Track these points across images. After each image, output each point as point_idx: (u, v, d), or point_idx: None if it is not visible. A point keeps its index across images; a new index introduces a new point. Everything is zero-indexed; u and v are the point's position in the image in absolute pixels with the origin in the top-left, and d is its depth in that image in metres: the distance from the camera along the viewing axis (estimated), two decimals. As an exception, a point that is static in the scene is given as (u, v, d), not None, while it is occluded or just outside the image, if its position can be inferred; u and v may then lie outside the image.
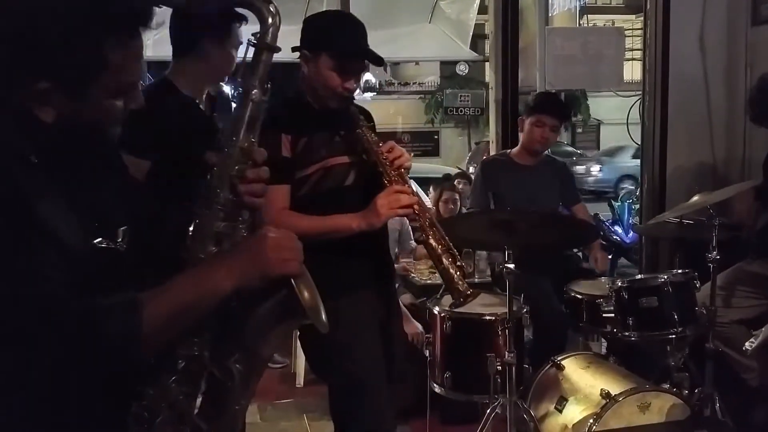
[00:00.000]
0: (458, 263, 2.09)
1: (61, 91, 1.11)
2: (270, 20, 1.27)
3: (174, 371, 1.19)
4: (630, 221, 6.69)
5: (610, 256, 6.48)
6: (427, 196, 4.83)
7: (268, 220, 1.92)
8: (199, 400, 1.21)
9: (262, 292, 1.21)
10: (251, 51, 1.30)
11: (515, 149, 3.54)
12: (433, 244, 2.07)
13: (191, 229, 1.23)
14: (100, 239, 1.15)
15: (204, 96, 2.30)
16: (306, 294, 1.21)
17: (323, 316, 1.26)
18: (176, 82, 2.21)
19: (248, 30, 1.59)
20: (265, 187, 1.32)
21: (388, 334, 2.24)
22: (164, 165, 2.04)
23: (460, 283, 2.06)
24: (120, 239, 1.18)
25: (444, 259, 2.06)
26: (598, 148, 18.46)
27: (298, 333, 3.35)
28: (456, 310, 2.65)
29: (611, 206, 7.42)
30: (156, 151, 2.04)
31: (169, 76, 2.25)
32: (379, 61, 2.23)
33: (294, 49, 2.14)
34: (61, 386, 1.10)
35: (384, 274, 2.30)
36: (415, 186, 2.18)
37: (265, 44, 1.27)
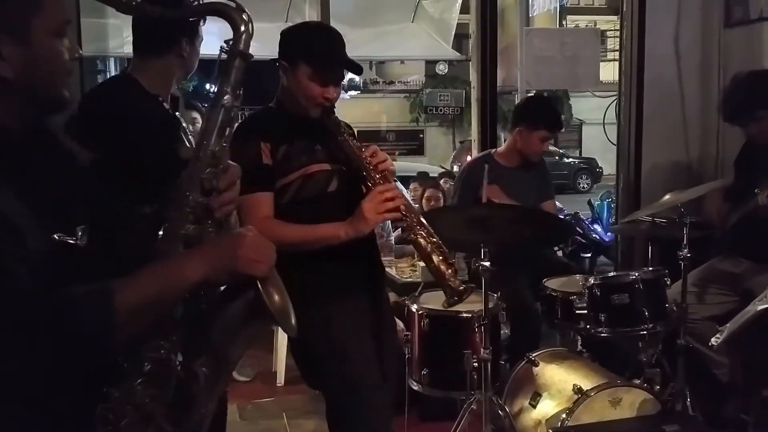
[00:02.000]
0: (449, 261, 2.08)
1: (6, 36, 1.13)
2: (243, 28, 1.30)
3: (140, 373, 1.19)
4: (609, 219, 6.76)
5: (589, 255, 6.56)
6: (408, 192, 4.85)
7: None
8: (165, 403, 1.21)
9: (229, 293, 1.23)
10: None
11: (500, 149, 3.55)
12: (423, 243, 2.06)
13: (161, 232, 1.24)
14: (59, 234, 1.15)
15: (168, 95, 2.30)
16: (275, 297, 1.23)
17: (293, 321, 1.28)
18: (141, 79, 2.19)
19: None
20: (237, 195, 1.34)
21: (380, 338, 2.20)
22: (126, 163, 1.99)
23: (452, 280, 2.05)
24: (79, 235, 1.19)
25: (434, 257, 2.04)
26: (580, 148, 18.61)
27: (288, 343, 3.40)
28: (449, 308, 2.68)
29: (591, 205, 7.48)
30: (113, 146, 1.98)
31: (133, 73, 2.22)
32: (357, 69, 2.24)
33: (273, 61, 2.18)
34: (30, 382, 1.10)
35: (374, 277, 2.27)
36: (399, 186, 2.17)
37: (237, 51, 1.30)
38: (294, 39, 2.19)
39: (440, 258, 2.05)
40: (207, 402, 1.26)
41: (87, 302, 1.10)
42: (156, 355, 1.21)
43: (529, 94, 4.23)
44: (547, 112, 3.53)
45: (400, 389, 2.96)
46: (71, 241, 1.17)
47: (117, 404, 1.18)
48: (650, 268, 2.96)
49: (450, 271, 2.05)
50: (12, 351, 1.06)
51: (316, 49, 2.13)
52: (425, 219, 2.12)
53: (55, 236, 1.15)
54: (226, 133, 1.31)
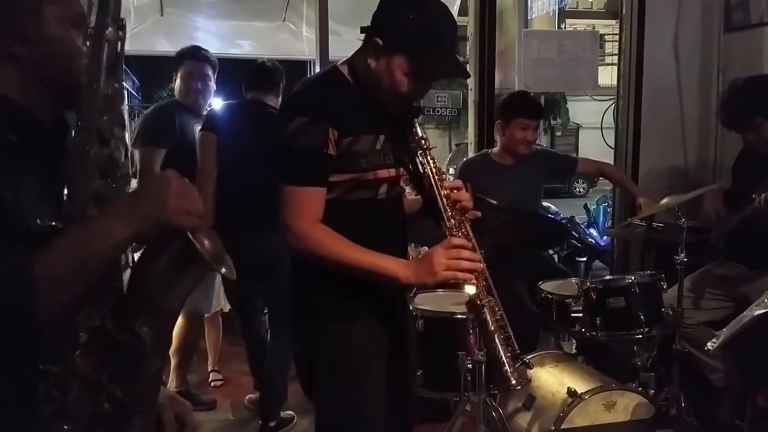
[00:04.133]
0: (510, 343, 1.79)
1: (22, 19, 1.15)
2: None
3: (77, 345, 1.13)
4: (605, 224, 6.76)
5: (584, 259, 6.56)
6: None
7: (296, 231, 1.74)
8: (111, 370, 1.16)
9: (155, 246, 1.14)
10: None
11: (495, 149, 3.54)
12: (488, 318, 1.76)
13: (65, 193, 1.14)
14: (55, 223, 1.13)
15: None
16: (206, 242, 1.14)
17: (229, 263, 1.18)
18: None
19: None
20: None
21: (396, 363, 1.97)
22: None
23: (510, 371, 1.75)
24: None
25: (496, 339, 1.75)
26: (577, 152, 18.61)
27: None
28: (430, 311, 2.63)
29: (587, 209, 7.48)
30: None
31: None
32: (466, 74, 1.98)
33: (363, 30, 1.82)
34: None
35: (402, 298, 2.04)
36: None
37: None
38: (408, 25, 1.74)
39: (502, 339, 1.76)
40: (155, 360, 1.20)
41: (4, 275, 1.03)
42: (90, 324, 1.13)
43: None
44: (521, 101, 3.52)
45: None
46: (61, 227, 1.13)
47: (58, 380, 1.13)
48: (647, 272, 2.95)
49: (509, 357, 1.76)
50: None
51: (433, 48, 1.75)
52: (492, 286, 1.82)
53: (38, 221, 1.11)
54: (117, 72, 1.16)
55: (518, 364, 1.80)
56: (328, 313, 1.85)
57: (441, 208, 1.79)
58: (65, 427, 1.14)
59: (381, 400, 1.89)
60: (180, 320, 3.52)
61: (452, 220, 1.79)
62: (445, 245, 1.74)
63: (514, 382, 1.75)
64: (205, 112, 3.53)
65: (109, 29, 1.13)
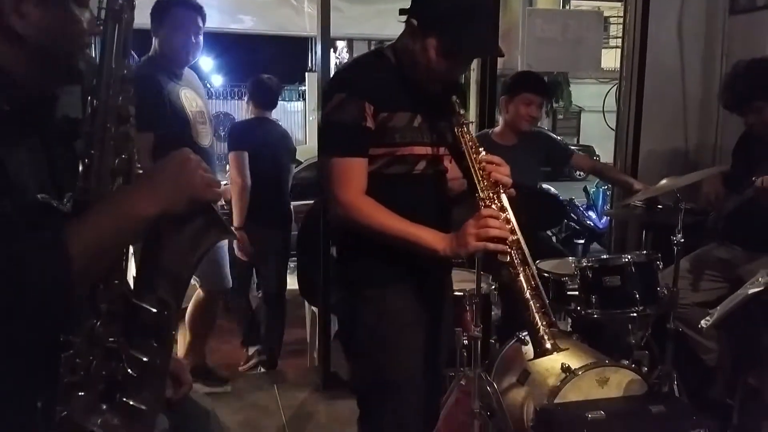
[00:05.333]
0: (547, 312, 1.80)
1: (16, 11, 1.14)
2: None
3: (98, 315, 1.18)
4: (604, 207, 6.78)
5: (582, 241, 6.59)
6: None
7: (343, 201, 1.83)
8: (132, 336, 1.21)
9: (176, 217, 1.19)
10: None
11: (497, 129, 3.53)
12: (523, 285, 1.76)
13: (80, 170, 1.17)
14: (44, 195, 1.14)
15: None
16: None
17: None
18: None
19: None
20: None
21: (433, 331, 2.02)
22: None
23: (546, 337, 1.76)
24: (66, 201, 1.17)
25: (532, 306, 1.76)
26: (578, 135, 18.58)
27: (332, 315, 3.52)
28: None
29: (586, 192, 7.49)
30: None
31: None
32: (501, 54, 1.99)
33: (402, 12, 1.88)
34: None
35: (441, 266, 2.06)
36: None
37: None
38: (440, 5, 1.80)
39: (538, 306, 1.77)
40: (174, 324, 1.28)
41: (41, 252, 1.06)
42: (111, 294, 1.18)
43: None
44: (526, 76, 3.53)
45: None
46: (55, 205, 1.16)
47: (80, 349, 1.16)
48: (643, 252, 2.97)
49: (544, 324, 1.77)
50: None
51: (465, 31, 1.78)
52: (530, 255, 1.82)
53: (39, 196, 1.14)
54: (128, 51, 1.20)
55: (550, 327, 1.79)
56: (366, 280, 1.95)
57: (475, 180, 1.82)
58: (81, 394, 1.18)
59: (415, 367, 1.95)
60: (200, 295, 3.54)
61: (486, 192, 1.80)
62: (476, 217, 1.77)
63: (549, 346, 1.75)
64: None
65: (123, 9, 1.17)
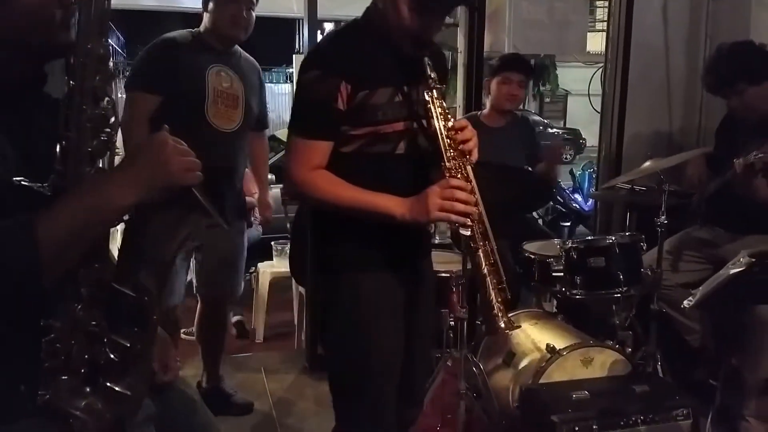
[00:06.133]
0: (503, 290, 1.76)
1: None
2: None
3: (78, 299, 1.17)
4: (590, 190, 6.80)
5: (568, 224, 6.62)
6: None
7: (294, 178, 1.78)
8: (113, 321, 1.20)
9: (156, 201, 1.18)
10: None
11: (485, 111, 3.55)
12: (481, 261, 1.73)
13: (58, 151, 1.15)
14: (22, 178, 1.12)
15: None
16: (201, 194, 1.20)
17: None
18: None
19: None
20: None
21: (412, 317, 1.95)
22: None
23: (499, 315, 1.73)
24: (48, 184, 1.15)
25: (488, 282, 1.72)
26: (565, 118, 18.60)
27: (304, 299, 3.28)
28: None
29: (572, 175, 7.51)
30: None
31: None
32: (471, 2, 1.91)
33: None
34: None
35: (418, 249, 2.00)
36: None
37: None
38: None
39: (494, 284, 1.73)
40: (155, 309, 1.25)
41: (8, 234, 1.05)
42: (92, 278, 1.18)
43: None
44: (508, 57, 3.56)
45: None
46: (35, 187, 1.13)
47: (60, 334, 1.16)
48: (627, 233, 3.00)
49: (499, 301, 1.74)
50: None
51: None
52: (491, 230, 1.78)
53: (15, 179, 1.12)
54: (105, 30, 1.17)
55: (505, 306, 1.76)
56: (341, 263, 1.88)
57: (442, 147, 1.75)
58: (64, 378, 1.17)
59: (392, 352, 1.89)
60: (199, 305, 3.25)
61: (452, 161, 1.75)
62: (441, 185, 1.71)
63: (502, 325, 1.72)
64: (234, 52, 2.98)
65: None
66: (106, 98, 1.17)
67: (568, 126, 18.02)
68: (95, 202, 1.11)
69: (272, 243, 4.52)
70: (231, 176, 2.97)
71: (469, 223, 1.71)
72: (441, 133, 1.76)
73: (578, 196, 6.81)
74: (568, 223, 6.46)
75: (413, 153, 1.85)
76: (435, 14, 1.79)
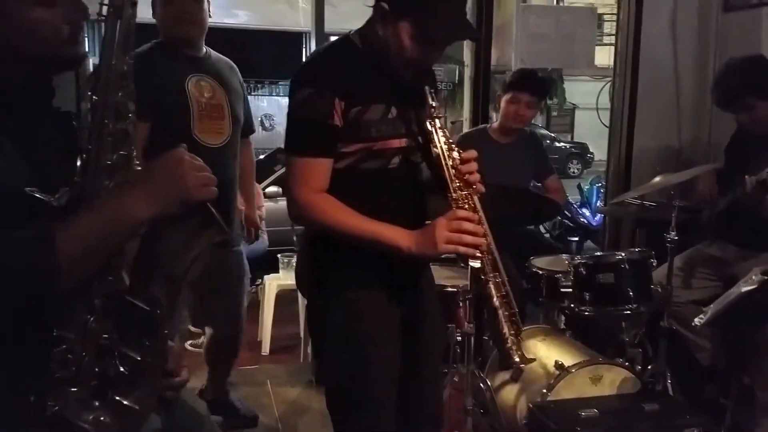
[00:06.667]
0: (514, 319, 1.73)
1: None
2: None
3: (91, 311, 1.17)
4: (598, 204, 6.78)
5: (576, 239, 6.59)
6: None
7: (299, 200, 1.75)
8: (125, 333, 1.20)
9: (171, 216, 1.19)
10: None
11: (495, 125, 3.52)
12: (492, 292, 1.69)
13: (78, 164, 1.18)
14: (33, 189, 1.13)
15: None
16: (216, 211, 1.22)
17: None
18: None
19: None
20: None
21: (413, 336, 1.93)
22: None
23: (513, 349, 1.69)
24: (58, 196, 1.16)
25: (501, 314, 1.68)
26: (572, 132, 18.59)
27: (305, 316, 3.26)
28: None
29: (580, 189, 7.50)
30: None
31: None
32: (476, 37, 1.91)
33: None
34: None
35: (418, 267, 1.95)
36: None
37: None
38: None
39: (506, 315, 1.69)
40: (166, 323, 1.26)
41: (26, 243, 1.07)
42: (105, 290, 1.18)
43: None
44: (519, 74, 3.51)
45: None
46: (44, 198, 1.14)
47: (72, 344, 1.16)
48: (637, 249, 2.97)
49: (512, 333, 1.70)
50: None
51: (435, 7, 1.70)
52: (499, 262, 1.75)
53: (27, 190, 1.12)
54: (129, 47, 1.19)
55: (518, 338, 1.73)
56: (339, 282, 1.85)
57: (447, 179, 1.73)
58: (73, 389, 1.17)
59: (390, 372, 1.86)
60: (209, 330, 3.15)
61: (458, 192, 1.73)
62: (448, 217, 1.69)
63: (517, 359, 1.69)
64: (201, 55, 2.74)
65: (124, 4, 1.17)
66: (129, 114, 1.19)
67: (575, 140, 18.02)
68: (112, 215, 1.13)
69: (278, 255, 4.50)
70: (228, 194, 2.77)
71: (478, 254, 1.68)
72: (446, 164, 1.73)
73: (586, 211, 6.79)
74: (576, 238, 6.43)
75: (407, 166, 1.83)
76: (436, 46, 1.78)
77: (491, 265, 1.71)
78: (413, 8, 1.70)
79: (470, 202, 1.74)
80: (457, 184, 1.74)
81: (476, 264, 1.68)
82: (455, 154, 1.75)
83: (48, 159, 1.20)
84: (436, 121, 1.76)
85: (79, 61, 1.22)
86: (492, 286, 1.70)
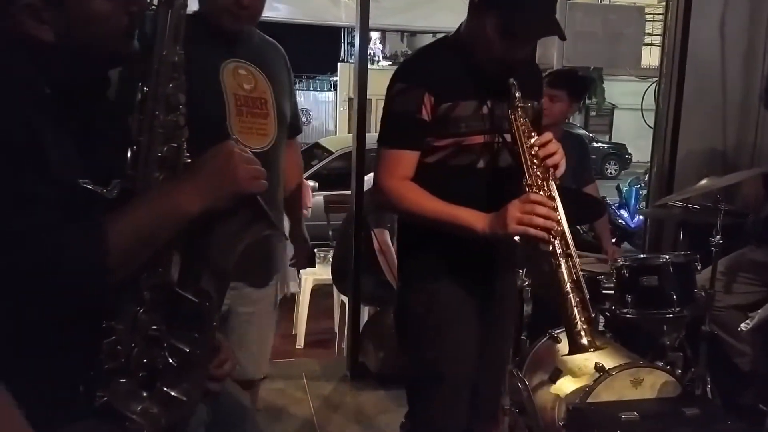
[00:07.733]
0: (587, 309, 1.69)
1: (44, 2, 1.12)
2: None
3: (141, 303, 1.18)
4: (636, 206, 6.69)
5: (614, 240, 6.51)
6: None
7: (383, 187, 1.85)
8: (174, 325, 1.21)
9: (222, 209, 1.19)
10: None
11: None
12: (564, 277, 1.66)
13: (128, 156, 1.18)
14: (87, 180, 1.13)
15: None
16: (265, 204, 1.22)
17: (284, 223, 1.30)
18: None
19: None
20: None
21: (490, 327, 2.01)
22: None
23: (582, 333, 1.66)
24: (110, 188, 1.16)
25: (571, 299, 1.66)
26: (611, 133, 18.38)
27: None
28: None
29: (619, 190, 7.41)
30: None
31: None
32: (562, 35, 1.83)
33: None
34: (24, 321, 1.09)
35: (499, 259, 1.98)
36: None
37: None
38: None
39: (577, 301, 1.67)
40: (216, 315, 1.27)
41: (78, 236, 1.08)
42: (155, 282, 1.19)
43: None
44: (556, 72, 3.48)
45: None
46: (97, 191, 1.15)
47: (122, 336, 1.17)
48: (682, 252, 2.93)
49: (582, 320, 1.67)
50: (11, 286, 1.04)
51: (519, 7, 1.73)
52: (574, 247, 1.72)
53: (81, 182, 1.13)
54: (180, 38, 1.19)
55: (589, 325, 1.69)
56: (419, 273, 1.96)
57: (523, 162, 1.74)
58: (122, 380, 1.18)
59: (463, 362, 1.95)
60: None
61: (534, 177, 1.73)
62: (522, 199, 1.70)
63: (585, 342, 1.66)
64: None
65: None
66: (180, 106, 1.19)
67: (613, 140, 17.80)
68: (163, 208, 1.14)
69: (315, 250, 4.54)
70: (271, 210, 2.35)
71: (548, 238, 1.68)
72: (523, 149, 1.75)
73: (624, 213, 6.72)
74: (614, 240, 6.35)
75: (494, 168, 1.88)
76: (521, 40, 1.82)
77: (563, 250, 1.68)
78: (499, 3, 1.75)
79: (546, 188, 1.74)
80: (534, 170, 1.75)
81: (547, 248, 1.68)
82: (533, 140, 1.76)
83: (102, 151, 1.21)
84: (518, 110, 1.79)
85: (132, 56, 1.22)
86: (564, 270, 1.67)
